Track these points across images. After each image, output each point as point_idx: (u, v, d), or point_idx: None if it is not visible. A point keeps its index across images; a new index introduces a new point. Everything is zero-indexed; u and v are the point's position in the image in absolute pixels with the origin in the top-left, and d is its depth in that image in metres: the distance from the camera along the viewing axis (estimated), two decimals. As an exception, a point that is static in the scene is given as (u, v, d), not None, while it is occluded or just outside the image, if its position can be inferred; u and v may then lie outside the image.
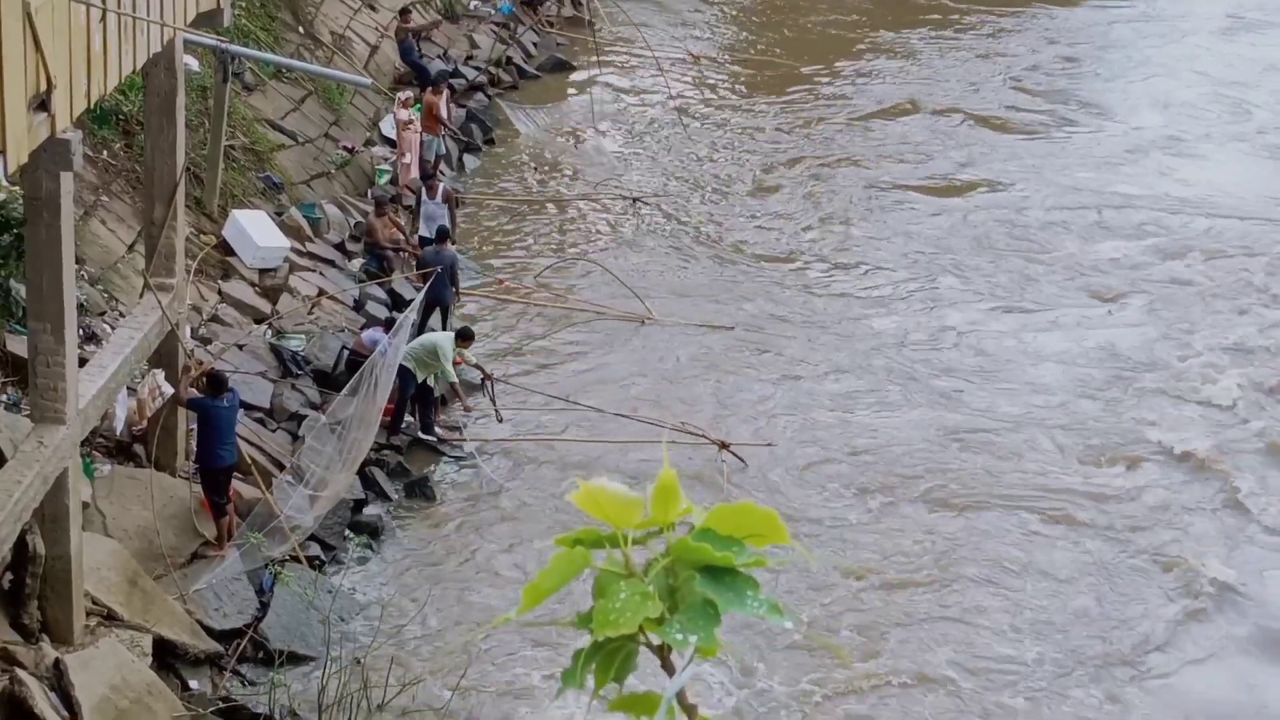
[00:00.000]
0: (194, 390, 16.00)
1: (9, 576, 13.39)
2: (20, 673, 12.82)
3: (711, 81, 33.28)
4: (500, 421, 19.62)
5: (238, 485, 16.19)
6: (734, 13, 37.88)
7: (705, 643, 2.08)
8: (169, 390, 16.10)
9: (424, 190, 23.11)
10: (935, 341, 22.73)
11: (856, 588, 17.13)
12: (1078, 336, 23.11)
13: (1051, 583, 17.51)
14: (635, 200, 26.12)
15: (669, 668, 2.11)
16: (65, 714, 12.87)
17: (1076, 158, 30.05)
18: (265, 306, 19.98)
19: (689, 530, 2.17)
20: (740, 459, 19.19)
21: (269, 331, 19.50)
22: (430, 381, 19.00)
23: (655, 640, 2.09)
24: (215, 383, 15.79)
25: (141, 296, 16.15)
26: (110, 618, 14.15)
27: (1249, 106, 33.42)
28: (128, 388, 15.95)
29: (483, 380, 19.90)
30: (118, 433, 16.25)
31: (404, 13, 29.34)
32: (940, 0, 39.39)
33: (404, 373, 18.88)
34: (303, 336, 19.68)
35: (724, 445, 19.37)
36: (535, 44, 33.51)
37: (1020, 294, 24.37)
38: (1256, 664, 16.60)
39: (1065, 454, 20.05)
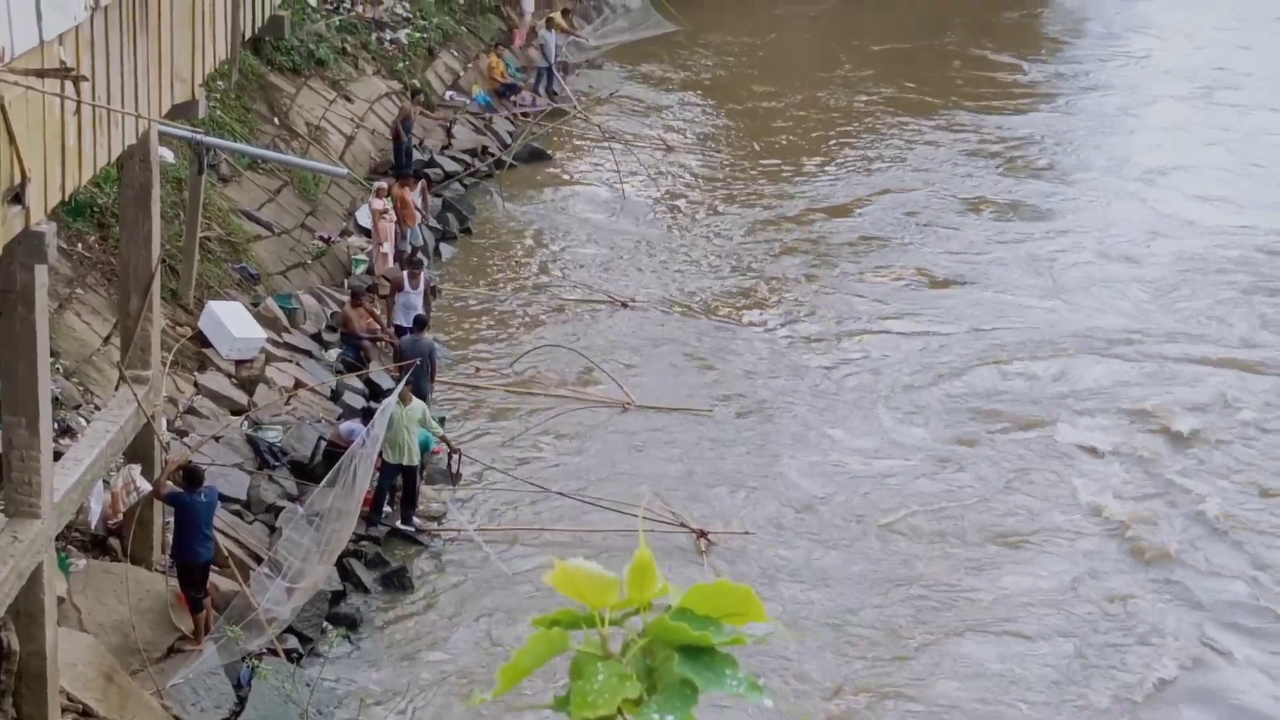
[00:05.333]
0: (170, 484, 15.93)
1: (-18, 674, 13.28)
2: (-7, 773, 12.68)
3: (688, 172, 33.46)
4: (454, 486, 19.77)
5: (214, 578, 16.09)
6: (709, 109, 38.09)
7: (683, 723, 2.07)
8: (144, 486, 16.04)
9: (405, 278, 23.15)
10: (929, 434, 22.74)
11: (844, 662, 17.07)
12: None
13: (1045, 658, 17.47)
14: (625, 304, 26.15)
15: (648, 749, 2.11)
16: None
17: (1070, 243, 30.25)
18: (242, 398, 19.96)
19: (666, 610, 2.17)
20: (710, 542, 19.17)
21: (246, 423, 19.46)
22: (407, 459, 18.90)
23: (633, 722, 2.09)
24: (191, 476, 15.72)
25: (117, 389, 16.13)
26: (86, 714, 14.02)
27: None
28: (103, 481, 15.89)
29: (449, 454, 19.89)
30: (93, 527, 16.17)
31: (415, 94, 29.69)
32: (872, 113, 39.71)
33: (384, 465, 18.85)
34: (280, 428, 19.63)
35: (703, 534, 19.34)
36: (510, 133, 33.70)
37: (1006, 379, 24.43)
38: None
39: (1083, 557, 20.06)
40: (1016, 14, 48.08)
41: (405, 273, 23.41)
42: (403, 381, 19.26)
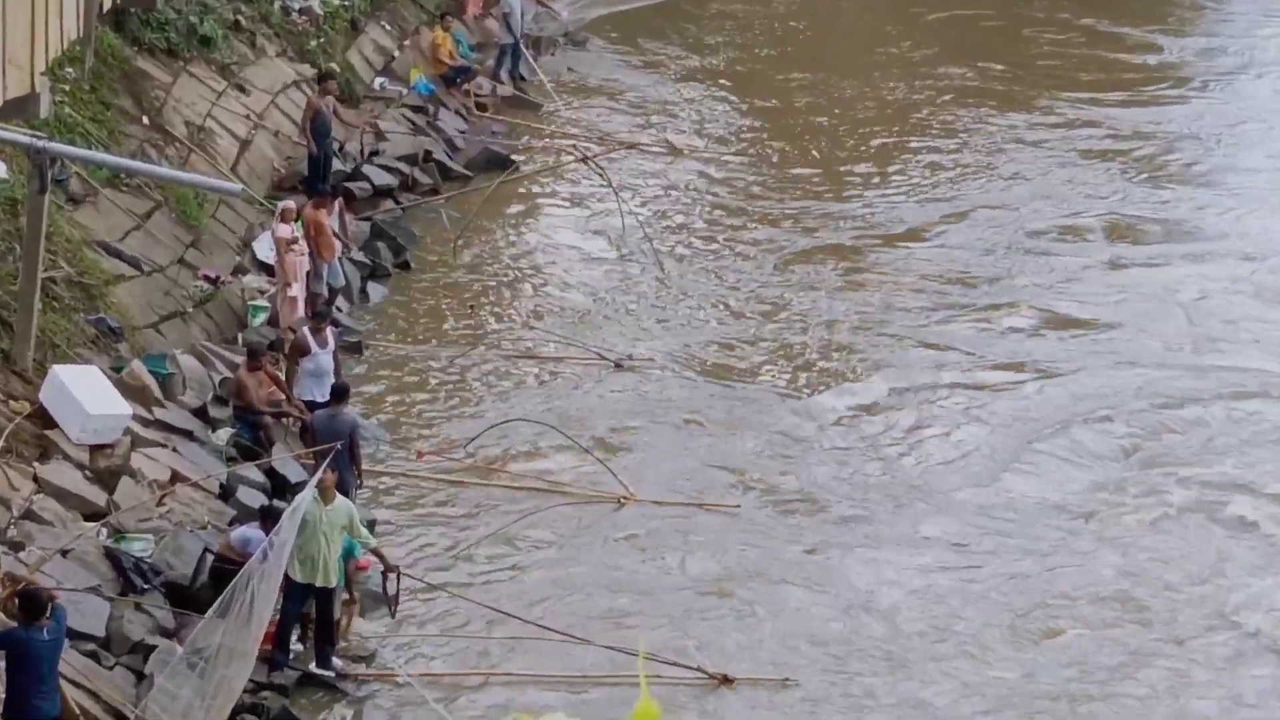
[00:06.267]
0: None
1: None
2: None
3: (700, 186, 33.48)
4: (393, 616, 19.73)
5: (60, 745, 15.91)
6: (728, 102, 38.18)
7: None
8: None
9: (309, 336, 23.07)
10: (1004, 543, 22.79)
11: None
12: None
13: None
14: (618, 364, 26.15)
15: None
16: None
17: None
18: (99, 497, 19.78)
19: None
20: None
21: (104, 531, 19.27)
22: (322, 577, 18.77)
23: None
24: (30, 605, 15.54)
25: (-73, 487, 16.00)
26: None
27: None
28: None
29: (384, 574, 19.78)
30: (-105, 676, 16.01)
31: (323, 80, 29.60)
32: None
33: (291, 585, 18.71)
34: (150, 537, 19.45)
35: (726, 680, 19.33)
36: (463, 132, 33.72)
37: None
38: None
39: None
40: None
41: (307, 328, 23.32)
42: (319, 471, 19.13)
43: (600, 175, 31.86)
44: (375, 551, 19.85)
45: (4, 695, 15.77)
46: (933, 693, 19.53)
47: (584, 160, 32.61)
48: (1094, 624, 20.84)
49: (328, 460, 19.45)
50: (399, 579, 19.84)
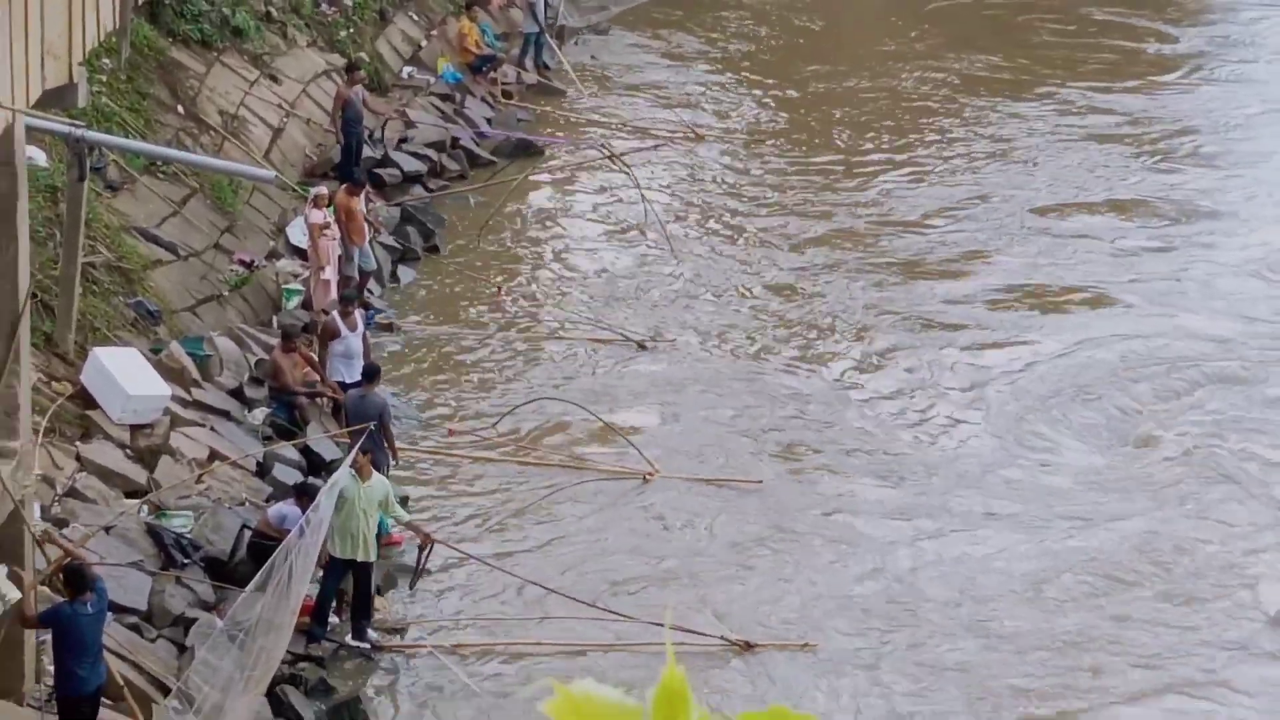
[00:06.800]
0: (45, 591, 15.83)
1: None
2: None
3: (721, 173, 33.42)
4: (411, 589, 19.91)
5: (106, 714, 16.03)
6: (747, 93, 38.05)
7: None
8: (12, 594, 15.95)
9: (338, 321, 23.23)
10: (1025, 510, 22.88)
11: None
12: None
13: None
14: (642, 345, 26.26)
15: None
16: None
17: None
18: (140, 475, 19.92)
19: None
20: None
21: (145, 508, 19.42)
22: (363, 553, 18.91)
23: None
24: (74, 580, 15.65)
25: (-25, 466, 16.08)
26: None
27: None
28: (-42, 588, 15.85)
29: (420, 546, 19.96)
30: (-54, 649, 16.13)
31: (351, 70, 29.76)
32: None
33: (332, 561, 18.91)
34: (190, 514, 19.60)
35: (748, 646, 19.46)
36: (490, 120, 33.69)
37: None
38: None
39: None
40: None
41: (336, 312, 23.43)
42: (354, 449, 19.18)
43: (625, 170, 31.71)
44: (410, 525, 20.01)
45: (53, 668, 15.90)
46: (951, 655, 19.66)
47: (611, 158, 32.47)
48: (1116, 588, 20.93)
49: (361, 440, 19.54)
50: (430, 551, 19.97)
